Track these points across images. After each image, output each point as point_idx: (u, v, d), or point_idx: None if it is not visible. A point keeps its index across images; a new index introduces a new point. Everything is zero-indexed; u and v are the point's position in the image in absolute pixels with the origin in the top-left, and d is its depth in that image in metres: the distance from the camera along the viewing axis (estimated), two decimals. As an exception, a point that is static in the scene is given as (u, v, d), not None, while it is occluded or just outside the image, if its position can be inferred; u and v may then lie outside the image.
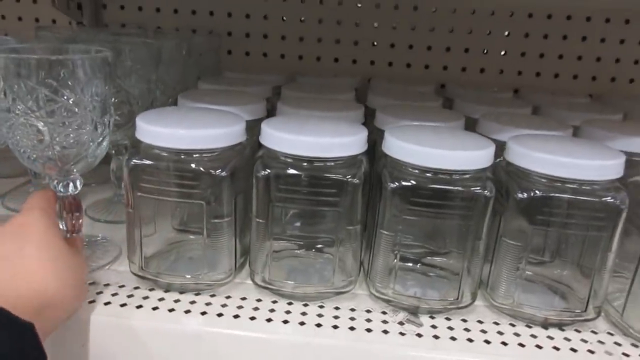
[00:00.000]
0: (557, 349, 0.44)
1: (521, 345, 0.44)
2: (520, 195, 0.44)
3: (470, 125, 0.58)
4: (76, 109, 0.42)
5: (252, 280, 0.50)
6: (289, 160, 0.45)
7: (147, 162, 0.45)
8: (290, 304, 0.48)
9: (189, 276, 0.48)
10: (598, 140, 0.52)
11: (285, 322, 0.45)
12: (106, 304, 0.46)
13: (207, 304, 0.47)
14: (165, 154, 0.45)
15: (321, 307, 0.48)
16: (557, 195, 0.44)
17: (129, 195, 0.47)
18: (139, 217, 0.47)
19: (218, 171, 0.45)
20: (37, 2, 0.91)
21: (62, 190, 0.46)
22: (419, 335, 0.45)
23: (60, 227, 0.47)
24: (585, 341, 0.45)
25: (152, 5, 0.91)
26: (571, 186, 0.44)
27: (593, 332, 0.47)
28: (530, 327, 0.47)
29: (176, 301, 0.47)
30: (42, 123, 0.41)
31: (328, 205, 0.47)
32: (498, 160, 0.48)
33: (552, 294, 0.50)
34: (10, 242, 0.40)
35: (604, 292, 0.46)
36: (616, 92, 0.88)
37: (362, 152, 0.47)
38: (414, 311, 0.48)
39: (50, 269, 0.39)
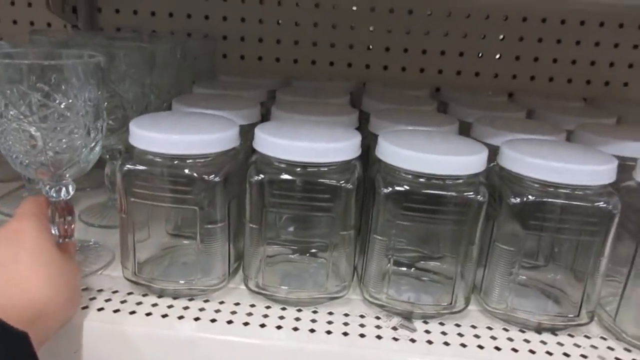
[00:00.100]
0: (550, 353, 0.44)
1: (514, 350, 0.44)
2: (513, 200, 0.44)
3: (465, 129, 0.58)
4: (69, 114, 0.42)
5: (246, 285, 0.50)
6: (283, 165, 0.45)
7: (141, 167, 0.45)
8: (283, 309, 0.48)
9: (182, 282, 0.48)
10: (591, 144, 0.53)
11: (279, 327, 0.45)
12: (99, 309, 0.46)
13: (201, 309, 0.47)
14: (159, 160, 0.45)
15: (315, 312, 0.48)
16: (549, 200, 0.44)
17: (122, 200, 0.46)
18: (132, 223, 0.47)
19: (211, 176, 0.45)
20: (32, 5, 0.91)
21: (54, 195, 0.46)
22: (413, 340, 0.45)
23: (53, 232, 0.47)
24: (578, 346, 0.45)
25: (147, 8, 0.91)
26: (564, 191, 0.44)
27: (586, 336, 0.47)
28: (523, 331, 0.47)
29: (169, 307, 0.47)
30: (34, 128, 0.41)
31: (321, 211, 0.47)
32: (492, 164, 0.48)
33: (545, 299, 0.50)
34: (4, 248, 0.39)
35: (597, 297, 0.46)
36: (610, 95, 0.89)
37: (355, 157, 0.47)
38: (407, 316, 0.48)
39: (44, 277, 0.39)
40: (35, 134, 0.41)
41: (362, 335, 0.45)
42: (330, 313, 0.48)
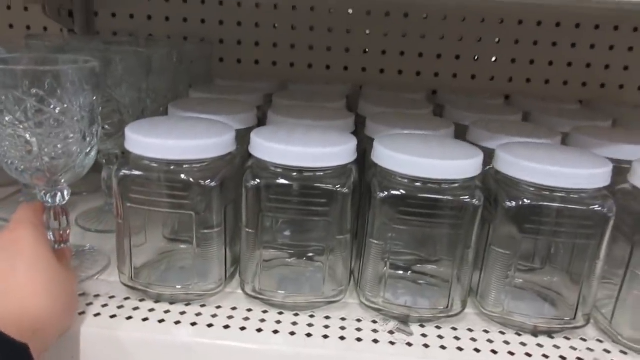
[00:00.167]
0: (546, 357, 0.44)
1: (511, 353, 0.44)
2: (508, 204, 0.45)
3: (461, 133, 0.58)
4: (64, 120, 0.42)
5: (243, 290, 0.50)
6: (279, 170, 0.45)
7: (137, 172, 0.45)
8: (280, 313, 0.48)
9: (179, 286, 0.48)
10: (587, 147, 0.53)
11: (276, 332, 0.45)
12: (96, 315, 0.46)
13: (198, 314, 0.47)
14: (155, 165, 0.45)
15: (312, 316, 0.48)
16: (545, 203, 0.44)
17: (118, 205, 0.46)
18: (128, 228, 0.47)
19: (208, 181, 0.45)
20: (28, 9, 0.91)
21: (49, 200, 0.46)
22: (409, 344, 0.45)
23: (48, 237, 0.47)
24: (574, 349, 0.45)
25: (144, 12, 0.91)
26: (559, 195, 0.44)
27: (582, 339, 0.47)
28: (520, 334, 0.47)
29: (166, 312, 0.47)
30: (30, 134, 0.41)
31: (318, 215, 0.47)
32: (488, 168, 0.48)
33: (541, 301, 0.51)
34: (2, 259, 0.39)
35: (593, 300, 0.47)
36: (606, 97, 0.89)
37: (351, 162, 0.47)
38: (404, 320, 0.48)
39: (43, 287, 0.39)
40: (31, 139, 0.41)
41: (359, 340, 0.45)
42: (327, 317, 0.48)
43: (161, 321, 0.45)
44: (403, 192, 0.45)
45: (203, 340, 0.44)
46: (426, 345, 0.45)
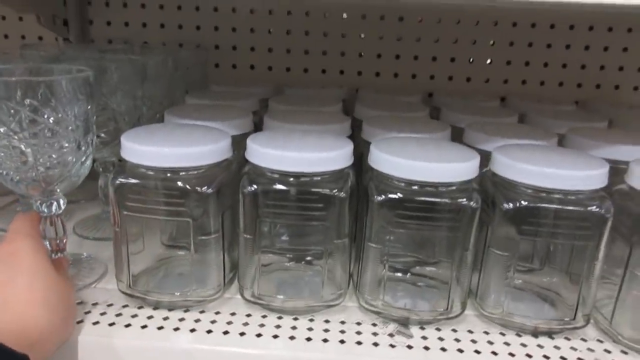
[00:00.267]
0: (547, 357, 0.44)
1: (511, 354, 0.44)
2: (506, 206, 0.45)
3: (457, 135, 0.58)
4: (59, 129, 0.42)
5: (242, 295, 0.50)
6: (275, 175, 0.45)
7: (133, 180, 0.45)
8: (280, 318, 0.48)
9: (177, 293, 0.48)
10: (583, 148, 0.53)
11: (275, 336, 0.45)
12: (94, 323, 0.45)
13: (197, 320, 0.47)
14: (151, 173, 0.45)
15: (311, 320, 0.48)
16: (542, 205, 0.44)
17: (115, 213, 0.46)
18: (125, 235, 0.47)
19: (204, 188, 0.45)
20: (23, 19, 0.91)
21: (45, 210, 0.46)
22: (410, 346, 0.45)
23: (45, 247, 0.47)
24: (574, 349, 0.45)
25: (139, 20, 0.91)
26: (556, 196, 0.44)
27: (583, 339, 0.47)
28: (520, 335, 0.47)
29: (165, 319, 0.47)
30: (25, 144, 0.41)
31: (315, 220, 0.47)
32: (485, 170, 0.48)
33: (541, 302, 0.51)
34: (0, 272, 0.39)
35: (592, 300, 0.47)
36: (602, 98, 0.89)
37: (348, 166, 0.47)
38: (404, 322, 0.48)
39: (41, 299, 0.39)
40: (26, 150, 0.41)
41: (358, 343, 0.45)
42: (327, 321, 0.47)
43: (160, 328, 0.45)
44: (400, 195, 0.45)
45: (202, 346, 0.44)
46: (426, 348, 0.45)
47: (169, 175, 0.45)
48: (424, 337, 0.46)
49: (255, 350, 0.44)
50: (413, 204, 0.45)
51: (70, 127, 0.42)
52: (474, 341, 0.46)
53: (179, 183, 0.45)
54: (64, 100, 0.42)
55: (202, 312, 0.48)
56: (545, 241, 0.49)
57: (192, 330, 0.45)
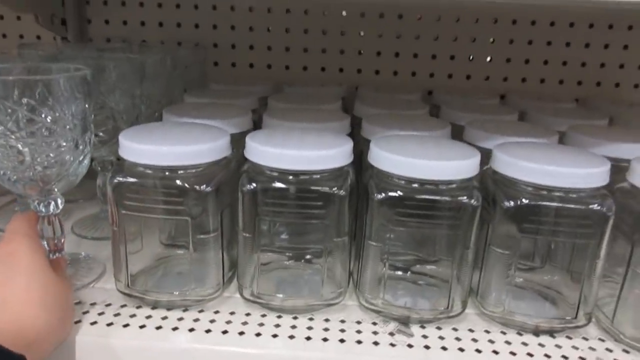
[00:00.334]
0: (548, 356, 0.44)
1: (512, 353, 0.44)
2: (507, 204, 0.44)
3: (457, 133, 0.58)
4: (56, 128, 0.41)
5: (241, 294, 0.49)
6: (274, 174, 0.45)
7: (131, 179, 0.45)
8: (279, 317, 0.47)
9: (176, 292, 0.47)
10: (584, 146, 0.53)
11: (275, 336, 0.45)
12: (92, 323, 0.45)
13: (195, 320, 0.46)
14: (149, 171, 0.45)
15: (311, 319, 0.47)
16: (543, 203, 0.44)
17: (113, 212, 0.46)
18: (124, 235, 0.46)
19: (203, 187, 0.45)
20: (21, 19, 0.91)
21: (43, 210, 0.46)
22: (410, 345, 0.44)
23: (43, 247, 0.46)
24: (576, 348, 0.45)
25: (137, 19, 0.91)
26: (558, 194, 0.44)
27: (584, 338, 0.46)
28: (521, 334, 0.46)
29: (164, 318, 0.46)
30: (22, 144, 0.41)
31: (315, 218, 0.46)
32: (485, 167, 0.48)
33: (542, 301, 0.50)
34: None
35: (594, 299, 0.46)
36: (602, 96, 0.89)
37: (348, 164, 0.47)
38: (404, 321, 0.47)
39: (39, 300, 0.39)
40: (23, 149, 0.41)
41: (359, 342, 0.44)
42: (327, 320, 0.47)
43: (158, 328, 0.45)
44: (400, 193, 0.44)
45: (201, 346, 0.44)
46: (427, 347, 0.44)
47: (167, 173, 0.45)
48: (425, 336, 0.46)
49: (254, 350, 0.43)
50: (413, 202, 0.44)
51: (67, 126, 0.42)
52: (474, 340, 0.45)
53: (178, 182, 0.45)
54: (62, 99, 0.41)
55: (201, 311, 0.48)
56: (547, 239, 0.48)
57: (191, 330, 0.45)
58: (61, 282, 0.42)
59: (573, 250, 0.49)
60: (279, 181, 0.45)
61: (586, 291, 0.45)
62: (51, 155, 0.42)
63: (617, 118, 0.70)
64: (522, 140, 0.52)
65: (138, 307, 0.48)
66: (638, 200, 0.45)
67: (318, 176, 0.45)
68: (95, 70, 0.50)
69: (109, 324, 0.45)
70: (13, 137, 0.40)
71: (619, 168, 0.47)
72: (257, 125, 0.59)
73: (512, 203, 0.44)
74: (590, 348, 0.45)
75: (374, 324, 0.47)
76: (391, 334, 0.46)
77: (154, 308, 0.48)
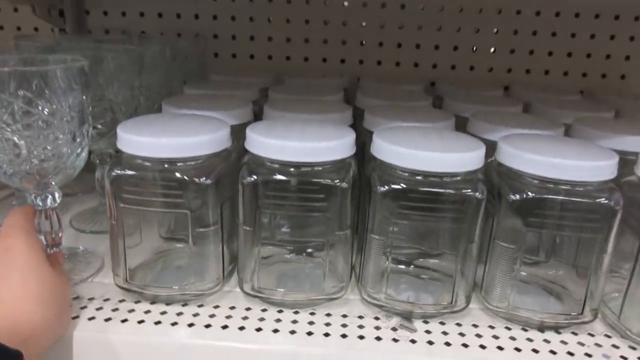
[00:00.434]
0: (553, 352, 0.43)
1: (517, 349, 0.43)
2: (512, 197, 0.43)
3: (461, 124, 0.57)
4: (53, 121, 0.40)
5: (241, 288, 0.49)
6: (275, 166, 0.44)
7: (130, 172, 0.44)
8: (280, 311, 0.47)
9: (175, 287, 0.47)
10: (590, 138, 0.52)
11: (276, 331, 0.44)
12: (90, 319, 0.45)
13: (195, 314, 0.46)
14: (148, 164, 0.44)
15: (312, 314, 0.47)
16: (550, 197, 0.43)
17: (111, 206, 0.45)
18: (122, 228, 0.46)
19: (203, 179, 0.44)
20: (18, 10, 0.90)
21: (40, 204, 0.45)
22: (413, 341, 0.44)
23: (41, 241, 0.46)
24: (582, 344, 0.44)
25: (136, 9, 0.90)
26: (564, 187, 0.43)
27: (590, 334, 0.46)
28: (526, 330, 0.46)
29: (163, 313, 0.46)
30: (18, 136, 0.40)
31: (317, 211, 0.46)
32: (489, 160, 0.47)
33: (547, 296, 0.50)
34: None
35: (600, 294, 0.45)
36: (607, 88, 0.88)
37: (350, 156, 0.46)
38: (407, 316, 0.47)
39: (35, 296, 0.39)
40: (19, 142, 0.40)
41: (361, 337, 0.44)
42: (328, 314, 0.47)
43: (157, 323, 0.44)
44: (404, 185, 0.44)
45: (201, 341, 0.43)
46: (430, 342, 0.44)
47: (166, 166, 0.44)
48: (428, 331, 0.45)
49: (255, 345, 0.43)
50: (417, 194, 0.44)
51: (65, 119, 0.41)
52: (479, 335, 0.45)
53: (177, 174, 0.44)
54: (59, 91, 0.40)
55: (200, 306, 0.47)
56: (552, 233, 0.48)
57: (191, 325, 0.44)
58: (58, 277, 0.41)
59: (579, 244, 0.48)
60: (280, 173, 0.44)
61: (592, 286, 0.45)
62: (48, 148, 0.41)
63: (623, 110, 0.69)
64: (527, 132, 0.51)
65: (137, 302, 0.47)
66: (646, 194, 0.44)
67: (320, 168, 0.44)
68: (93, 61, 0.49)
69: (107, 319, 0.45)
70: (9, 129, 0.40)
71: (625, 161, 0.46)
72: (257, 117, 0.59)
73: (517, 196, 0.43)
74: (597, 344, 0.45)
75: (377, 318, 0.46)
76: (394, 329, 0.45)
77: (152, 303, 0.47)
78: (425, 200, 0.44)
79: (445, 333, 0.45)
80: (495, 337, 0.45)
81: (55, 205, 0.46)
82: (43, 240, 0.46)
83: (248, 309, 0.47)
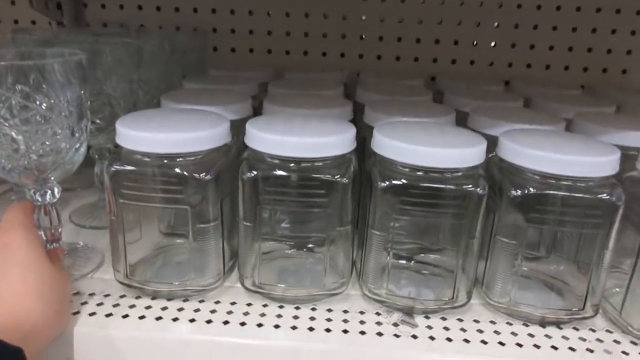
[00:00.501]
0: (555, 348, 0.43)
1: (519, 344, 0.43)
2: (513, 193, 0.43)
3: (462, 119, 0.57)
4: (51, 115, 0.40)
5: (242, 284, 0.48)
6: (276, 161, 0.44)
7: (129, 167, 0.44)
8: (281, 307, 0.47)
9: (176, 282, 0.47)
10: (591, 134, 0.51)
11: (277, 326, 0.44)
12: (91, 314, 0.44)
13: (196, 310, 0.46)
14: (147, 159, 0.44)
15: (313, 309, 0.47)
16: (551, 192, 0.43)
17: (111, 201, 0.45)
18: (122, 224, 0.46)
19: (202, 175, 0.44)
20: (15, 3, 0.89)
21: (39, 199, 0.45)
22: (414, 336, 0.44)
23: (40, 237, 0.45)
24: (583, 339, 0.44)
25: (134, 3, 0.89)
26: (565, 183, 0.42)
27: (591, 330, 0.46)
28: (527, 325, 0.46)
29: (163, 309, 0.46)
30: (16, 131, 0.40)
31: (317, 206, 0.46)
32: (490, 155, 0.47)
33: (548, 291, 0.50)
34: None
35: (602, 290, 0.45)
36: (608, 82, 0.87)
37: (350, 151, 0.46)
38: (408, 311, 0.47)
39: (35, 292, 0.38)
40: (17, 137, 0.40)
41: (362, 333, 0.44)
42: (329, 310, 0.47)
43: (158, 319, 0.44)
44: (404, 181, 0.43)
45: (202, 337, 0.43)
46: (432, 338, 0.44)
47: (165, 161, 0.44)
48: (429, 327, 0.45)
49: (256, 341, 0.43)
50: (418, 190, 0.43)
51: (63, 113, 0.41)
52: (480, 331, 0.45)
53: (177, 169, 0.44)
54: (57, 85, 0.40)
55: (201, 301, 0.47)
56: (554, 229, 0.47)
57: (192, 321, 0.44)
58: (58, 273, 0.41)
59: (580, 240, 0.48)
60: (280, 169, 0.44)
61: (594, 282, 0.45)
62: (46, 143, 0.41)
63: (625, 105, 0.69)
64: (528, 128, 0.51)
65: (137, 298, 0.47)
66: (648, 189, 0.44)
67: (320, 163, 0.44)
68: (91, 55, 0.48)
69: (108, 315, 0.44)
70: (7, 124, 0.39)
71: (627, 156, 0.46)
72: (257, 112, 0.58)
73: (519, 192, 0.43)
74: (598, 340, 0.44)
75: (378, 314, 0.46)
76: (395, 324, 0.45)
77: (153, 298, 0.47)
78: (426, 196, 0.44)
79: (446, 329, 0.45)
80: (497, 332, 0.45)
81: (55, 201, 0.46)
82: (42, 235, 0.46)
83: (249, 304, 0.47)
